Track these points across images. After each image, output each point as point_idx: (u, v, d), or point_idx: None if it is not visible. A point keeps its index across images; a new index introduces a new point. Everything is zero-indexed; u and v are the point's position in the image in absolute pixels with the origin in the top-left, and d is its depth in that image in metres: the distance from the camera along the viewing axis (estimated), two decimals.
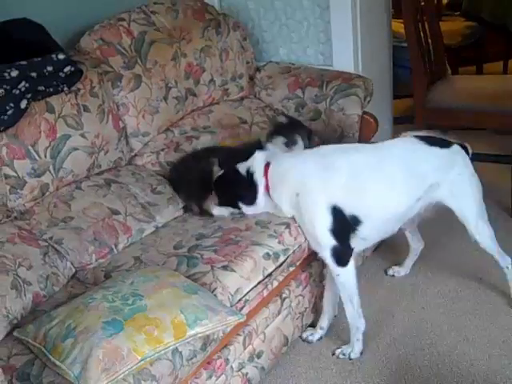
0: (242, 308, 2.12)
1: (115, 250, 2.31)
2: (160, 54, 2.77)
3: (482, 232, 2.48)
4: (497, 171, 3.39)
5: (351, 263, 2.30)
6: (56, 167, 2.34)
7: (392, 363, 2.41)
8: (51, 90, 2.34)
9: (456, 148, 2.43)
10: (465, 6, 4.12)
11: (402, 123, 3.74)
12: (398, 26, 3.79)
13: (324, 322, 2.55)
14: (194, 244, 2.26)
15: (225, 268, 2.09)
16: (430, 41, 3.60)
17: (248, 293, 2.13)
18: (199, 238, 2.29)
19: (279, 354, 2.39)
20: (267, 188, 2.35)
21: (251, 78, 3.18)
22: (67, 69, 2.38)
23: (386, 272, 2.92)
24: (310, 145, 2.61)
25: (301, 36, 3.30)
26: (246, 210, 2.40)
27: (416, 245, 2.84)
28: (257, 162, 2.37)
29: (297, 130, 2.63)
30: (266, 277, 2.20)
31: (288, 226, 2.33)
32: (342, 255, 2.28)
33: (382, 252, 3.02)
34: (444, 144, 2.42)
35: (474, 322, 2.57)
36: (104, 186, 2.45)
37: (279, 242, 2.26)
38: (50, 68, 2.32)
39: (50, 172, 2.32)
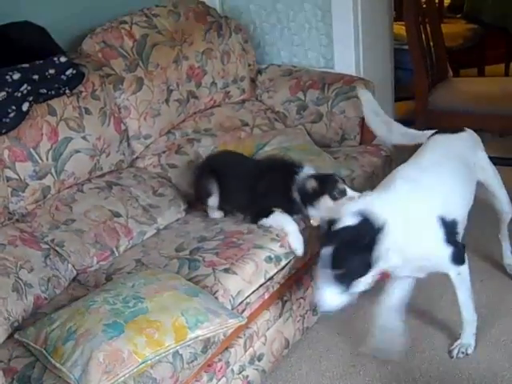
0: (243, 311, 2.13)
1: (116, 252, 2.32)
2: (162, 56, 2.78)
3: None
4: (501, 174, 3.38)
5: (466, 258, 2.33)
6: (58, 170, 2.34)
7: (393, 366, 2.41)
8: (53, 92, 2.35)
9: (470, 131, 2.58)
10: (466, 8, 4.12)
11: (404, 125, 3.73)
12: (400, 29, 3.78)
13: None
14: (196, 246, 2.26)
15: (226, 271, 2.10)
16: (431, 43, 3.61)
17: (249, 296, 2.14)
18: (201, 241, 2.30)
19: (280, 356, 2.39)
20: None
21: (253, 81, 3.19)
22: (69, 72, 2.38)
23: None
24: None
25: (302, 39, 3.30)
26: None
27: None
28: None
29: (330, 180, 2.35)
30: (268, 280, 2.20)
31: None
32: (459, 255, 2.28)
33: None
34: (460, 129, 2.56)
35: None
36: (105, 189, 2.46)
37: (281, 246, 2.26)
38: (51, 71, 2.33)
39: (51, 174, 2.33)
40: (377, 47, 3.44)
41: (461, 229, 2.33)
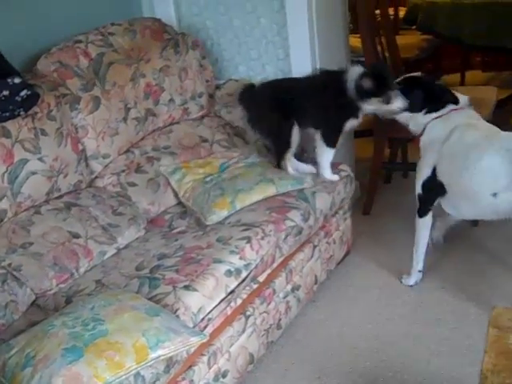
0: (205, 327, 2.12)
1: (76, 274, 2.29)
2: (118, 75, 2.76)
3: None
4: None
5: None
6: (14, 192, 2.31)
7: (357, 376, 2.43)
8: (7, 114, 2.32)
9: None
10: (420, 20, 4.20)
11: (363, 136, 3.78)
12: (356, 41, 3.83)
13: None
14: (156, 264, 2.25)
15: (187, 288, 2.09)
16: (387, 55, 3.67)
17: (211, 311, 2.13)
18: (161, 258, 2.29)
19: (245, 372, 2.39)
20: None
21: (211, 97, 3.19)
22: (23, 93, 2.36)
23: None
24: None
25: (260, 53, 3.32)
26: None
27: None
28: None
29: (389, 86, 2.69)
30: (229, 294, 2.20)
31: (249, 240, 2.34)
32: None
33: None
34: None
35: (437, 331, 2.60)
36: (64, 210, 2.44)
37: (241, 258, 2.27)
38: (5, 92, 2.30)
39: (7, 197, 2.29)
40: (333, 60, 3.46)
41: None
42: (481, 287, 2.82)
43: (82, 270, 2.31)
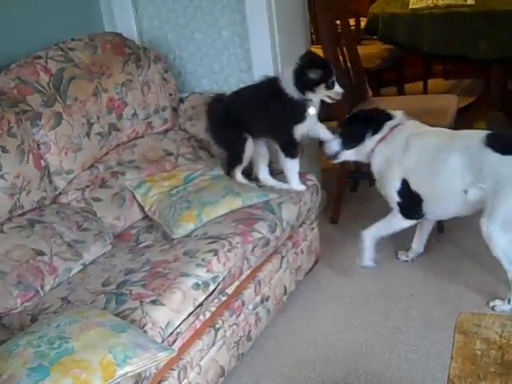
0: (174, 341, 2.10)
1: (41, 291, 2.25)
2: (80, 90, 2.74)
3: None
4: None
5: None
6: None
7: None
8: None
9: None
10: (380, 30, 4.25)
11: None
12: (319, 52, 3.87)
13: None
14: (123, 280, 2.23)
15: (154, 302, 2.07)
16: (349, 65, 3.70)
17: (179, 325, 2.11)
18: (128, 273, 2.27)
19: None
20: None
21: (175, 110, 3.18)
22: None
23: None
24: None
25: (222, 65, 3.33)
26: None
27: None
28: None
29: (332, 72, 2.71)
30: (197, 307, 2.19)
31: (216, 252, 2.33)
32: None
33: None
34: None
35: (406, 337, 2.62)
36: (27, 227, 2.39)
37: (208, 271, 2.25)
38: None
39: None
40: None
41: None
42: (448, 293, 2.85)
43: (47, 288, 2.27)
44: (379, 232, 2.90)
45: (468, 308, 2.71)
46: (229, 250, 2.37)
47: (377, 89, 4.82)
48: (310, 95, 2.67)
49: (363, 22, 4.85)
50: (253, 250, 2.48)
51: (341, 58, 3.58)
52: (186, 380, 2.19)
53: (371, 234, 2.89)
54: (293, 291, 2.90)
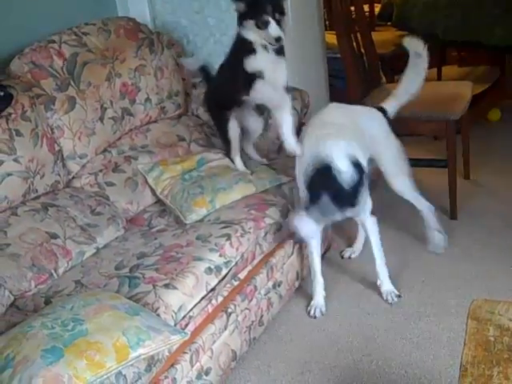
0: (186, 325, 2.11)
1: (55, 274, 2.27)
2: (93, 74, 2.74)
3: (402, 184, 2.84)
4: (433, 176, 3.47)
5: None
6: None
7: (340, 370, 2.43)
8: None
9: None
10: (395, 16, 4.23)
11: None
12: (332, 38, 3.85)
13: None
14: (136, 263, 2.24)
15: (167, 286, 2.08)
16: (363, 51, 3.68)
17: (192, 309, 2.12)
18: (140, 257, 2.28)
19: (228, 369, 2.38)
20: None
21: (188, 95, 3.18)
22: None
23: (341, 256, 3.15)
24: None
25: None
26: None
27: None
28: None
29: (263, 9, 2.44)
30: (210, 292, 2.20)
31: (229, 237, 2.34)
32: None
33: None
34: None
35: (418, 324, 2.61)
36: (41, 211, 2.41)
37: (220, 256, 2.26)
38: None
39: None
40: (310, 57, 3.49)
41: None
42: (460, 280, 2.84)
43: (60, 271, 2.29)
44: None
45: (481, 295, 2.70)
46: (241, 235, 2.38)
47: (391, 75, 4.78)
48: (245, 33, 2.48)
49: (377, 8, 4.83)
50: (265, 235, 2.48)
51: (355, 44, 3.56)
52: (198, 363, 2.20)
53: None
54: (305, 276, 2.90)
